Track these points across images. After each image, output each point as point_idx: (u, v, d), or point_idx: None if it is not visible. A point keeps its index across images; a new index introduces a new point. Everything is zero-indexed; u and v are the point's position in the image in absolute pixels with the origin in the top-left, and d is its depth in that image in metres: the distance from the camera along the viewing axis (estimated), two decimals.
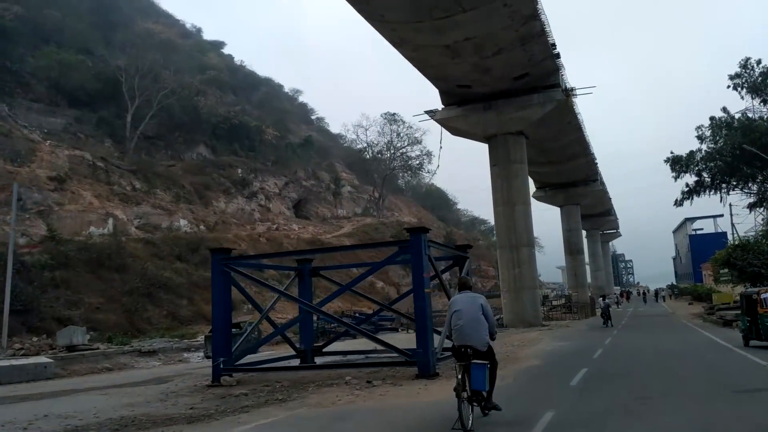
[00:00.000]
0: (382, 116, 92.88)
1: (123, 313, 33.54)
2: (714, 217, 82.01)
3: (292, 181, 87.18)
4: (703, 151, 49.84)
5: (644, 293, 67.08)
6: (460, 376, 7.93)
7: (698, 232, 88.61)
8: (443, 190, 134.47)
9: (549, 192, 64.41)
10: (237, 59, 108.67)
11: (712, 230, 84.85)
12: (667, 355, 16.96)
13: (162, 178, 64.43)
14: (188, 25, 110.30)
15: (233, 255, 17.12)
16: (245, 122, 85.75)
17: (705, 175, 50.52)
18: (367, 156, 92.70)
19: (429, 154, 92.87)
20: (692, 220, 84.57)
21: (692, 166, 50.29)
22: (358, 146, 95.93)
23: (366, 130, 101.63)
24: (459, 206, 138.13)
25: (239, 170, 76.88)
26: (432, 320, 14.17)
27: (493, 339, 8.64)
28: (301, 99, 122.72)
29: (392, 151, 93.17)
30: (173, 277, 41.18)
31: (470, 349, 8.26)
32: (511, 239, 35.33)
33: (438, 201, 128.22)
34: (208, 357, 23.06)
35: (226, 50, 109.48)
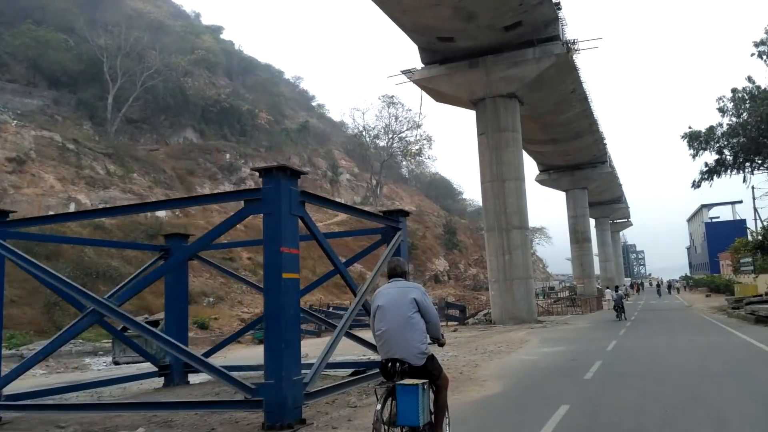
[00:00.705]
0: (380, 99, 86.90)
1: (42, 307, 28.10)
2: (732, 203, 75.53)
3: None
4: (724, 126, 43.66)
5: (658, 285, 60.92)
6: (379, 406, 5.06)
7: (715, 220, 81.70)
8: (448, 179, 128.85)
9: (553, 175, 58.32)
10: (237, 45, 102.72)
11: (730, 218, 78.22)
12: (698, 374, 11.08)
13: (141, 162, 59.68)
14: (188, 10, 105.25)
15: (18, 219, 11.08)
16: (237, 106, 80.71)
17: (726, 152, 44.37)
18: (365, 140, 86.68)
19: (429, 138, 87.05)
20: (709, 206, 77.89)
21: (712, 143, 44.15)
22: (355, 131, 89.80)
23: (363, 113, 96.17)
24: (464, 196, 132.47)
25: (227, 155, 71.76)
26: (298, 326, 8.35)
27: (440, 344, 5.90)
28: (302, 86, 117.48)
29: (390, 136, 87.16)
30: (121, 267, 35.75)
31: (399, 364, 5.36)
32: (500, 221, 29.46)
33: (443, 191, 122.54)
34: (117, 363, 19.14)
35: (226, 36, 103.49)
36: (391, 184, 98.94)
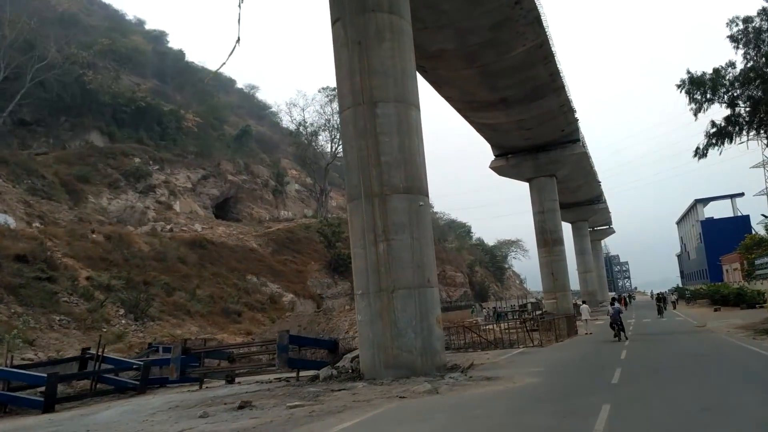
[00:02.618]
0: (320, 92, 72.78)
1: None
2: (732, 196, 61.38)
3: (213, 175, 66.81)
4: (738, 65, 29.73)
5: (659, 298, 45.91)
6: None
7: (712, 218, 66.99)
8: None
9: (512, 160, 43.94)
10: (184, 52, 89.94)
11: (729, 214, 63.76)
12: None
13: (13, 167, 45.12)
14: (130, 16, 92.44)
15: None
16: (156, 106, 66.11)
17: (741, 104, 30.27)
18: (302, 138, 72.32)
19: None
20: (704, 201, 63.49)
21: (721, 91, 30.03)
22: (291, 128, 75.55)
23: (303, 110, 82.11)
24: (435, 209, 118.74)
25: (136, 159, 56.76)
26: None
27: None
28: (260, 96, 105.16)
29: (333, 135, 72.85)
30: None
31: None
32: (368, 179, 14.83)
33: None
34: None
35: (174, 44, 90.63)
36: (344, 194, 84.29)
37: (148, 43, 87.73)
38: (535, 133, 40.51)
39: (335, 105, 71.89)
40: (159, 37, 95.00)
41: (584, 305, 28.77)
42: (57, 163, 51.27)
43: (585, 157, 45.03)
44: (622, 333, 23.89)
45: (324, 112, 72.58)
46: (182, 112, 72.39)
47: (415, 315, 14.45)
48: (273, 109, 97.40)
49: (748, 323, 26.56)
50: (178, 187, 60.74)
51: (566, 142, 43.17)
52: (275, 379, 17.89)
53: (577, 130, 42.79)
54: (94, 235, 38.01)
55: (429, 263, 15.34)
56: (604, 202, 69.13)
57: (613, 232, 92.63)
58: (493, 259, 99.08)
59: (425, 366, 14.25)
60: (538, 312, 42.87)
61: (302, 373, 16.75)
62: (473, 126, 39.60)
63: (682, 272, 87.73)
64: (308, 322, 35.13)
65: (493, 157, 45.00)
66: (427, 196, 16.05)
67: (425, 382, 12.32)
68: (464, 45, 26.45)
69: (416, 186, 15.31)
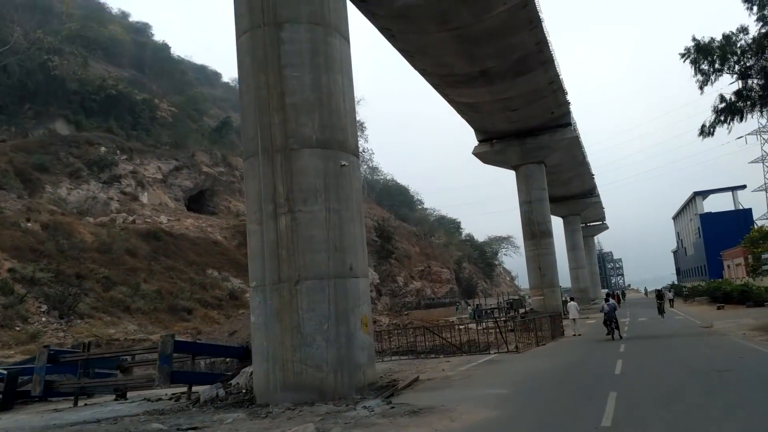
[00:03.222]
0: None
1: None
2: (733, 189, 57.13)
3: (186, 167, 62.27)
4: (750, 33, 25.57)
5: (658, 295, 41.86)
6: None
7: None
8: (404, 185, 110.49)
9: (497, 145, 39.66)
10: (168, 46, 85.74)
11: (730, 207, 59.45)
12: None
13: None
14: (114, 9, 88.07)
15: None
16: (128, 94, 61.84)
17: (753, 76, 26.06)
18: None
19: (361, 127, 68.49)
20: (703, 194, 59.12)
21: (731, 60, 25.79)
22: None
23: None
24: (426, 205, 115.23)
25: (102, 149, 52.51)
26: None
27: None
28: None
29: None
30: None
31: None
32: (267, 127, 10.44)
33: (398, 198, 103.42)
34: None
35: (159, 37, 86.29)
36: None
37: (129, 34, 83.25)
38: (522, 114, 36.25)
39: None
40: (142, 29, 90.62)
41: (572, 302, 24.46)
42: (15, 151, 47.35)
43: (576, 143, 40.71)
44: (616, 331, 21.72)
45: None
46: (156, 101, 67.99)
47: (328, 316, 10.14)
48: None
49: (763, 323, 22.44)
50: (147, 178, 56.35)
51: (556, 127, 38.97)
52: (172, 394, 13.66)
53: (568, 113, 38.52)
54: (29, 224, 33.65)
55: (353, 245, 11.00)
56: (597, 195, 64.91)
57: (607, 228, 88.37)
58: (483, 256, 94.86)
59: (341, 386, 9.95)
60: (521, 310, 38.75)
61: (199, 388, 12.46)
62: (453, 106, 35.32)
63: (678, 269, 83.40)
64: None
65: (476, 143, 40.70)
66: (356, 155, 11.72)
67: (318, 418, 7.98)
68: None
69: (337, 139, 10.99)
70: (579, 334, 23.99)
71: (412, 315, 43.42)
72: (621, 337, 21.21)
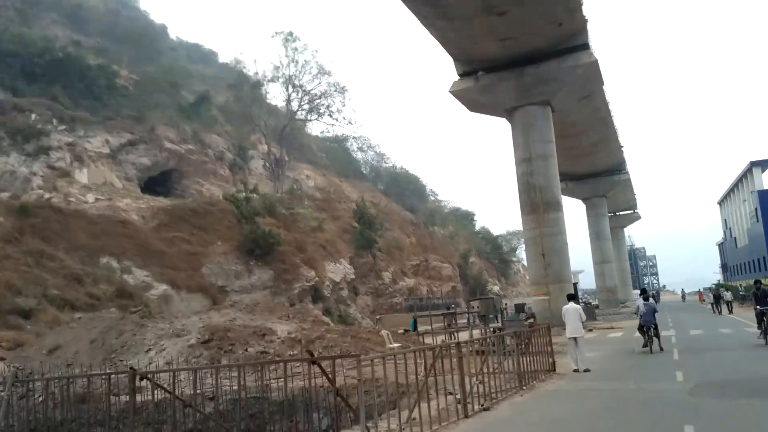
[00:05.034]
0: (274, 36, 56.71)
1: None
2: None
3: (144, 142, 50.50)
4: None
5: (717, 296, 30.02)
6: None
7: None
8: (415, 175, 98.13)
9: (483, 79, 27.16)
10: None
11: None
12: None
13: None
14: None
15: None
16: (78, 59, 50.84)
17: None
18: (245, 88, 56.25)
19: (342, 90, 56.38)
20: (763, 165, 44.92)
21: None
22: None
23: (255, 62, 66.53)
24: (439, 197, 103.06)
25: (33, 116, 41.56)
26: None
27: None
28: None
29: (291, 90, 56.69)
30: None
31: None
32: None
33: (407, 188, 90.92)
34: None
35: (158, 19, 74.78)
36: (305, 165, 67.82)
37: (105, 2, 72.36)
38: (516, 25, 23.58)
39: (291, 53, 55.93)
40: (128, 1, 79.82)
41: (572, 306, 11.77)
42: None
43: (596, 77, 27.60)
44: (657, 339, 15.91)
45: (281, 64, 56.38)
46: (116, 68, 56.41)
47: None
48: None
49: None
50: (90, 152, 44.89)
51: (566, 50, 26.09)
52: None
53: (584, 28, 25.68)
54: None
55: None
56: (627, 172, 51.38)
57: (639, 218, 74.22)
58: (497, 251, 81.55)
59: None
60: (522, 317, 25.95)
61: None
62: (408, 5, 22.73)
63: (724, 265, 68.72)
64: (106, 329, 19.47)
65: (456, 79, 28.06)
66: None
67: None
68: None
69: None
70: (587, 370, 11.39)
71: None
72: (661, 349, 15.77)
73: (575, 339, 11.85)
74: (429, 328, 26.43)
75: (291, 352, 16.45)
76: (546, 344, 11.94)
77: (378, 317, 34.24)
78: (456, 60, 27.57)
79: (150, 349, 17.21)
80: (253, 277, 36.62)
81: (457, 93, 27.70)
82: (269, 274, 37.01)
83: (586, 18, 25.26)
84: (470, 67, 27.50)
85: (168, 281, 31.67)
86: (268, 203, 42.88)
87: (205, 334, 17.08)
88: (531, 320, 26.48)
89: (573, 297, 12.41)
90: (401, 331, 21.39)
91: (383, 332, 16.38)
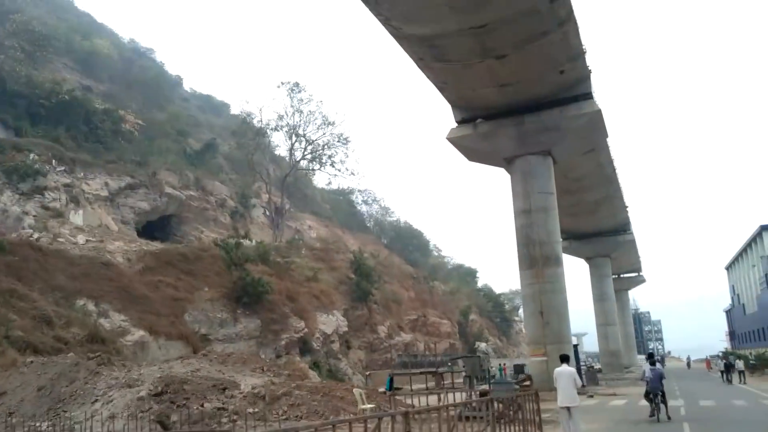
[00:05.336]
0: (280, 86, 56.32)
1: None
2: None
3: (144, 186, 49.55)
4: None
5: (728, 365, 28.32)
6: None
7: None
8: (418, 230, 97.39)
9: (482, 126, 26.02)
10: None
11: None
12: None
13: None
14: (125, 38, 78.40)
15: None
16: (84, 102, 50.78)
17: None
18: (249, 133, 55.54)
19: (345, 141, 55.51)
20: None
21: None
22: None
23: (260, 110, 66.24)
24: (443, 252, 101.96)
25: (32, 156, 41.10)
26: None
27: None
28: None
29: (295, 139, 55.97)
30: None
31: None
32: None
33: (410, 242, 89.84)
34: None
35: (173, 69, 75.48)
36: (308, 216, 66.57)
37: (117, 50, 72.77)
38: (516, 73, 22.52)
39: (297, 103, 55.47)
40: (143, 52, 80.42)
41: (565, 369, 9.85)
42: None
43: (601, 128, 26.27)
44: (664, 407, 14.47)
45: (286, 114, 55.86)
46: (122, 113, 56.10)
47: None
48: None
49: None
50: (88, 195, 43.86)
51: (568, 99, 24.92)
52: None
53: (586, 77, 24.59)
54: None
55: None
56: (631, 233, 49.65)
57: (644, 281, 71.95)
58: (499, 309, 79.07)
59: None
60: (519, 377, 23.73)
61: None
62: (405, 47, 21.70)
63: (732, 332, 65.86)
64: (57, 376, 17.65)
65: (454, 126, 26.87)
66: None
67: None
68: None
69: None
70: None
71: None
72: (669, 418, 14.41)
73: (568, 409, 9.97)
74: (423, 386, 24.32)
75: (252, 410, 14.53)
76: (534, 412, 10.08)
77: (368, 373, 32.01)
78: (454, 106, 26.46)
79: (97, 400, 15.37)
80: (238, 325, 34.61)
81: (455, 140, 26.45)
82: (256, 324, 35.03)
83: (588, 67, 24.19)
84: (469, 114, 26.36)
85: (146, 327, 29.72)
86: (262, 250, 41.28)
87: (158, 386, 15.20)
88: (528, 382, 24.57)
89: (567, 358, 10.55)
90: (381, 390, 19.39)
91: (355, 390, 14.43)
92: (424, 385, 25.71)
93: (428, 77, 24.07)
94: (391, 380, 18.71)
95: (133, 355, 28.12)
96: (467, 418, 10.63)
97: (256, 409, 14.48)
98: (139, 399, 14.81)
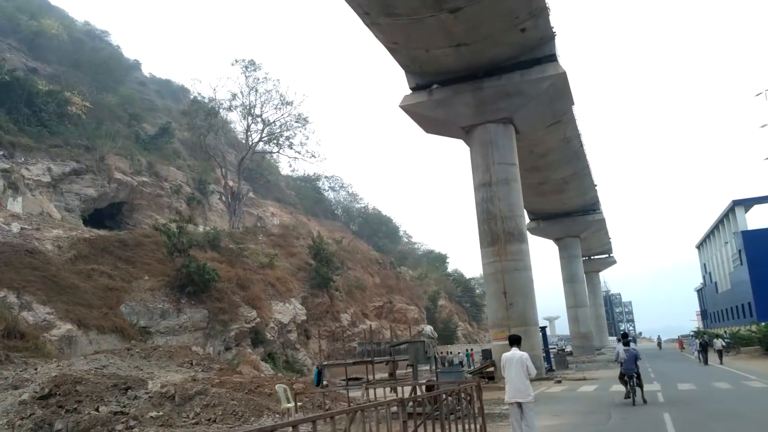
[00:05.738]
0: (235, 64, 53.12)
1: None
2: None
3: (92, 171, 46.11)
4: None
5: (703, 344, 26.83)
6: None
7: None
8: (388, 216, 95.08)
9: (438, 93, 23.64)
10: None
11: None
12: None
13: None
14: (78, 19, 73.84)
15: None
16: (25, 83, 47.01)
17: None
18: (200, 113, 52.34)
19: (304, 121, 52.73)
20: (746, 204, 41.55)
21: None
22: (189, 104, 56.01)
23: (215, 89, 63.12)
24: (413, 239, 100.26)
25: None
26: None
27: None
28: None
29: (251, 120, 53.01)
30: None
31: None
32: None
33: (378, 228, 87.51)
34: None
35: (130, 52, 71.33)
36: (270, 202, 63.80)
37: (68, 32, 68.39)
38: (473, 29, 20.18)
39: (252, 81, 52.45)
40: (98, 35, 76.15)
41: (515, 354, 7.67)
42: None
43: (566, 95, 24.11)
44: (640, 390, 13.50)
45: (241, 93, 52.84)
46: (68, 94, 52.30)
47: None
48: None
49: None
50: (27, 180, 40.50)
51: (531, 62, 22.71)
52: None
53: (550, 37, 22.35)
54: None
55: None
56: (601, 212, 47.97)
57: (614, 262, 70.80)
58: (469, 294, 77.34)
59: None
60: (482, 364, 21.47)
61: None
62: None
63: (704, 312, 65.03)
64: None
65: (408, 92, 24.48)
66: None
67: None
68: None
69: None
70: None
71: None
72: (645, 401, 13.26)
73: (519, 404, 7.73)
74: (373, 377, 22.04)
75: (155, 413, 12.09)
76: (478, 409, 7.85)
77: (324, 364, 29.72)
78: (408, 71, 24.07)
79: None
80: (182, 316, 31.92)
81: (409, 108, 24.08)
82: (202, 314, 32.40)
83: (553, 27, 21.98)
84: (424, 80, 24.00)
85: (74, 320, 26.89)
86: (212, 236, 38.60)
87: (45, 388, 12.63)
88: (491, 368, 22.51)
89: (518, 341, 8.27)
90: (325, 383, 16.99)
91: (278, 387, 12.05)
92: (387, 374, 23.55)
93: (377, 37, 21.62)
94: (320, 373, 16.21)
95: (59, 351, 25.42)
96: (410, 415, 8.42)
97: (161, 413, 12.07)
98: (20, 403, 12.28)
